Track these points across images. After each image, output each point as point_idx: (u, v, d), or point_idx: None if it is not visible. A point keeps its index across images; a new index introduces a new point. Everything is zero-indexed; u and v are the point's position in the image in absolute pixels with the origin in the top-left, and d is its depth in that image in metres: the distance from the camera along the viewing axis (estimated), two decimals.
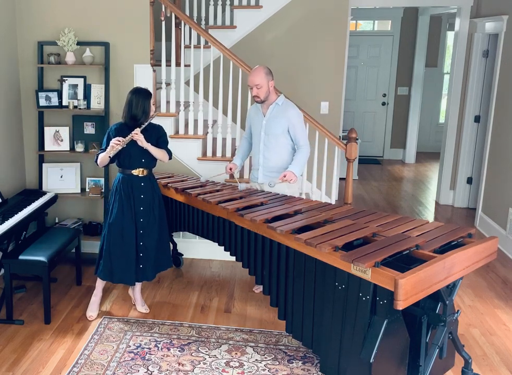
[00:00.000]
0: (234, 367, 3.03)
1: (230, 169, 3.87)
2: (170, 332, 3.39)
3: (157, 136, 3.47)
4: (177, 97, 4.46)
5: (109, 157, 3.34)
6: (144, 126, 3.33)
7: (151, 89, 4.29)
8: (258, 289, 3.95)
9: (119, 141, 3.27)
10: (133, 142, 3.32)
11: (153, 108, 3.44)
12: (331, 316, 2.60)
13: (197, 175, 4.41)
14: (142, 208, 3.44)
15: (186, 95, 4.48)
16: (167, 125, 4.31)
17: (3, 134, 4.16)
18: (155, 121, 3.55)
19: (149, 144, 3.37)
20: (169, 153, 3.53)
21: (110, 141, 3.30)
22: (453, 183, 6.26)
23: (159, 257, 3.56)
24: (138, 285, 3.67)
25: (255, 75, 3.55)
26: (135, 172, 3.42)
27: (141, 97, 3.33)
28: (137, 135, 3.28)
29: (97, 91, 4.32)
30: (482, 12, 5.63)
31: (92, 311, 3.57)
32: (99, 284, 3.59)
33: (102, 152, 3.38)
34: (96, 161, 3.44)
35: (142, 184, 3.44)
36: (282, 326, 3.16)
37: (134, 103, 3.32)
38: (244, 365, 3.05)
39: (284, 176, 3.55)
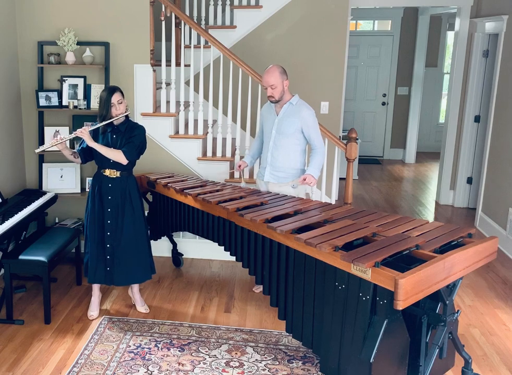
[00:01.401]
0: (234, 367, 3.03)
1: (239, 166, 3.88)
2: (170, 332, 3.39)
3: (129, 136, 3.35)
4: (177, 97, 4.46)
5: (76, 156, 3.39)
6: (99, 124, 3.28)
7: (151, 89, 4.31)
8: (258, 289, 3.95)
9: (56, 139, 3.27)
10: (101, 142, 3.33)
11: (119, 107, 3.27)
12: (331, 316, 2.59)
13: (197, 175, 4.41)
14: (109, 209, 3.40)
15: (186, 95, 4.48)
16: (167, 125, 4.32)
17: (3, 134, 4.16)
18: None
19: (96, 144, 3.27)
20: (127, 154, 3.29)
21: None
22: (453, 183, 6.25)
23: (132, 266, 3.47)
24: (136, 286, 3.67)
25: (270, 75, 3.48)
26: (104, 172, 3.39)
27: (105, 93, 3.28)
28: (81, 133, 3.24)
29: (97, 91, 4.32)
30: (482, 12, 5.62)
31: (92, 310, 3.58)
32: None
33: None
34: None
35: (110, 185, 3.39)
36: (282, 326, 3.16)
37: (99, 100, 3.31)
38: (244, 365, 3.05)
39: (304, 179, 3.54)
